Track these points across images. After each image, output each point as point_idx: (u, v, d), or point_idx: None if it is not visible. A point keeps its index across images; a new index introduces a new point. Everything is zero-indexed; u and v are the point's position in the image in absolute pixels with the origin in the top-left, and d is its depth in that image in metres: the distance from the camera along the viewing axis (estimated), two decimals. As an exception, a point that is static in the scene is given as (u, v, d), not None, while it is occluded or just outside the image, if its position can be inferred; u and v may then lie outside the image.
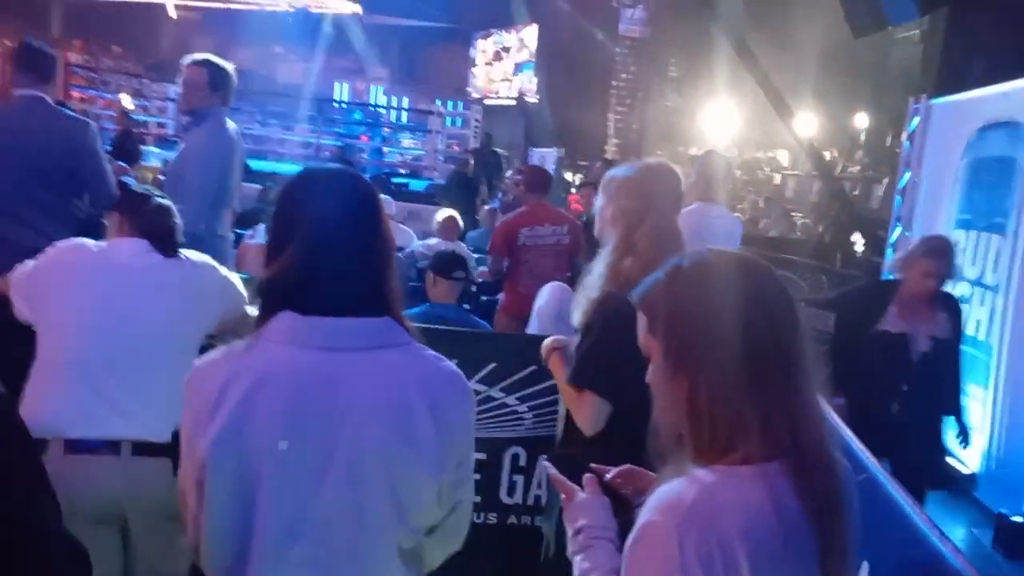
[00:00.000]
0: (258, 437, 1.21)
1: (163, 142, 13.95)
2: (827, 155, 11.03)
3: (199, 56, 3.60)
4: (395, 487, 1.23)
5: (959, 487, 4.94)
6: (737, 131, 14.55)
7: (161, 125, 15.16)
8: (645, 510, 1.11)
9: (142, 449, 1.97)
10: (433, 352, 1.34)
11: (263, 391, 1.23)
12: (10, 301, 2.16)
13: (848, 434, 2.11)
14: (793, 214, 12.01)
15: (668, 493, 1.10)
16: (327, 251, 1.27)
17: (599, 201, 2.22)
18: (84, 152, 3.21)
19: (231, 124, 3.60)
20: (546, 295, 4.37)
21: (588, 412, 2.04)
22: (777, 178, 13.82)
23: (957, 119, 5.84)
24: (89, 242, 2.19)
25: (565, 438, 2.25)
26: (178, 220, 2.23)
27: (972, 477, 4.90)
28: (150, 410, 1.98)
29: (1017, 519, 4.20)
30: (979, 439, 4.90)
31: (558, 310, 4.20)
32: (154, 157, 11.20)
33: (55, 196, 3.18)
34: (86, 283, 2.07)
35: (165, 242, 2.15)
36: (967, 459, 5.00)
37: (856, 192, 10.23)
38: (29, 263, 2.18)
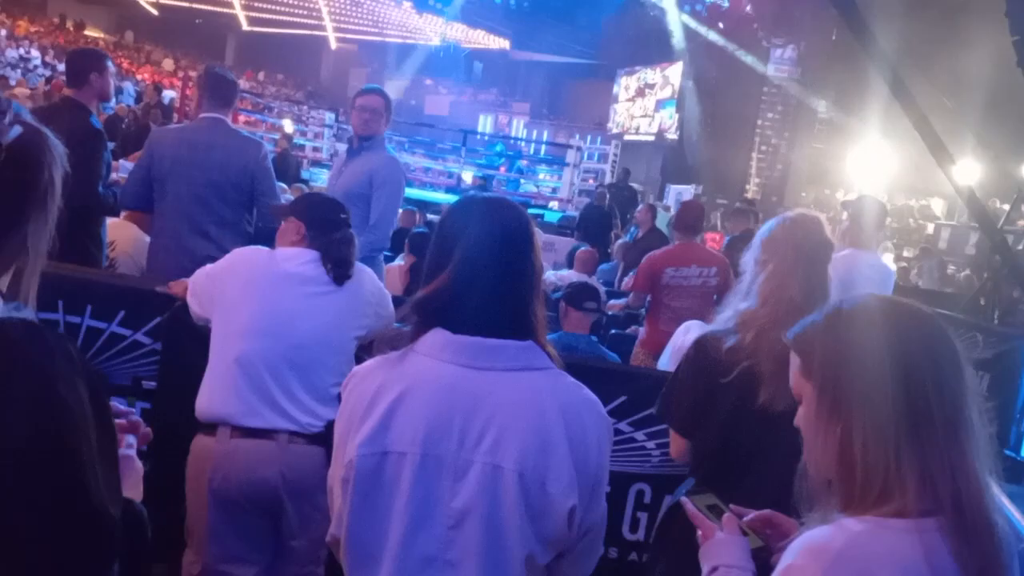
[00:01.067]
0: (401, 442, 1.28)
1: (316, 165, 14.85)
2: (992, 205, 10.34)
3: (374, 85, 3.97)
4: (528, 501, 1.27)
5: None
6: (889, 177, 13.89)
7: (316, 149, 16.11)
8: (789, 553, 1.09)
9: (297, 438, 2.20)
10: (572, 379, 1.38)
11: (410, 399, 1.30)
12: (187, 304, 2.37)
13: (1006, 501, 1.96)
14: (950, 266, 11.31)
15: (815, 537, 1.07)
16: (481, 274, 1.33)
17: (748, 253, 2.23)
18: (258, 170, 3.48)
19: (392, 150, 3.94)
20: (683, 334, 4.33)
21: (672, 444, 2.24)
22: (930, 227, 13.06)
23: None
24: (263, 250, 2.38)
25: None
26: (356, 250, 2.39)
27: None
28: (305, 406, 2.21)
29: None
30: None
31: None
32: (313, 176, 11.95)
33: (230, 210, 3.46)
34: (256, 288, 2.26)
35: (340, 270, 2.31)
36: None
37: (1021, 246, 9.52)
38: (208, 267, 2.39)
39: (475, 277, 1.33)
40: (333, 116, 16.31)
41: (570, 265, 6.72)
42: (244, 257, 2.36)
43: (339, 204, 2.48)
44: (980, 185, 10.81)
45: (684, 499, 1.45)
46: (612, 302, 6.58)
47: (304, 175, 12.24)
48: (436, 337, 1.33)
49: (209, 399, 2.22)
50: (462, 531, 1.27)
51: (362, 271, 2.41)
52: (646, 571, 2.31)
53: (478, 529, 1.27)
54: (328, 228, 2.34)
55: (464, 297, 1.33)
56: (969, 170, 10.43)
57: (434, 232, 1.42)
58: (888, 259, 10.29)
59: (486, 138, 22.21)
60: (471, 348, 1.32)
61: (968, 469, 1.08)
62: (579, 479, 1.30)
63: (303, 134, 16.74)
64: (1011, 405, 6.57)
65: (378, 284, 2.47)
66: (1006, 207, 10.55)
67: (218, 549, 2.24)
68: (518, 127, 24.93)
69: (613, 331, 5.43)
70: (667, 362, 4.23)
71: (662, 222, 9.06)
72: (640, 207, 9.67)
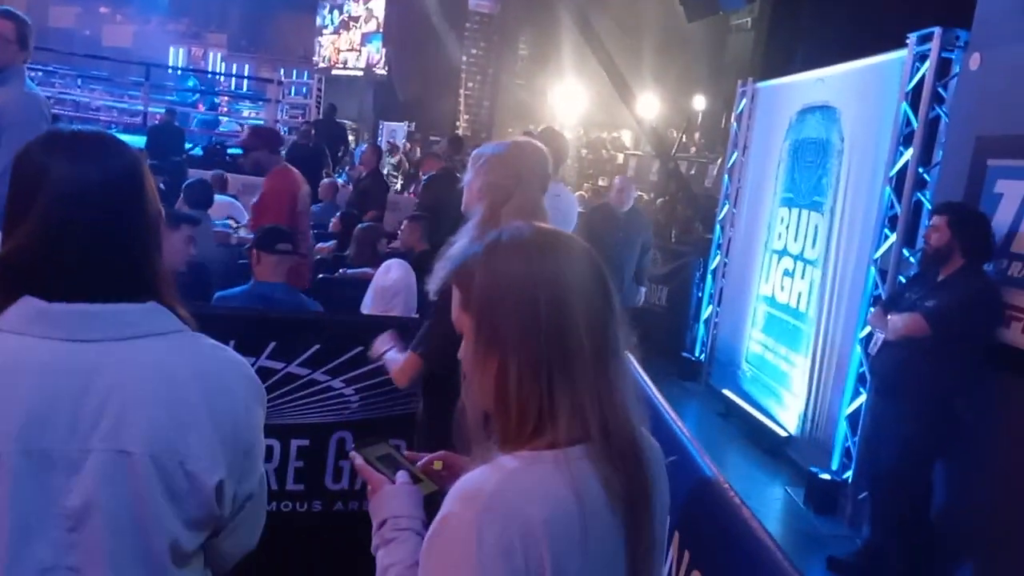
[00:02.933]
0: None
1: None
2: (670, 136, 11.44)
3: (2, 8, 3.35)
4: (168, 483, 1.11)
5: (777, 449, 5.27)
6: (584, 111, 14.84)
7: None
8: (447, 500, 1.05)
9: None
10: (211, 340, 1.21)
11: None
12: None
13: (666, 410, 2.13)
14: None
15: (469, 481, 1.05)
16: (75, 226, 1.11)
17: (467, 175, 2.26)
18: None
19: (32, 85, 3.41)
20: (383, 273, 4.26)
21: (410, 371, 2.29)
22: (620, 158, 14.21)
23: (780, 102, 6.17)
24: None
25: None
26: None
27: (788, 439, 5.24)
28: None
29: (825, 477, 4.51)
30: (797, 403, 5.24)
31: (398, 287, 4.12)
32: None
33: None
34: None
35: None
36: (786, 422, 5.33)
37: (692, 172, 10.67)
38: None
39: (67, 230, 1.10)
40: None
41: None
42: None
43: None
44: (659, 117, 11.91)
45: (353, 453, 1.36)
46: (320, 245, 6.35)
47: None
48: (25, 308, 1.09)
49: None
50: (84, 532, 1.08)
51: None
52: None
53: (104, 526, 1.09)
54: None
55: (55, 256, 1.10)
56: (649, 104, 11.39)
57: (9, 176, 1.15)
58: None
59: (178, 72, 20.27)
60: (72, 317, 1.10)
61: (615, 398, 1.09)
62: (225, 451, 1.15)
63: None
64: (685, 313, 7.42)
65: None
66: (685, 136, 11.77)
67: None
68: (215, 60, 23.06)
69: (321, 275, 5.22)
70: (369, 302, 4.16)
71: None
72: (365, 148, 9.39)
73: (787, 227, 5.77)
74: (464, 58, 18.54)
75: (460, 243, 2.16)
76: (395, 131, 16.67)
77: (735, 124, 6.97)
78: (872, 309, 4.23)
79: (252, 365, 2.65)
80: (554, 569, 1.00)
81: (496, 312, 1.09)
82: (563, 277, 1.09)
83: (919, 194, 4.22)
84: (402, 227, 5.43)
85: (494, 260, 1.12)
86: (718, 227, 7.04)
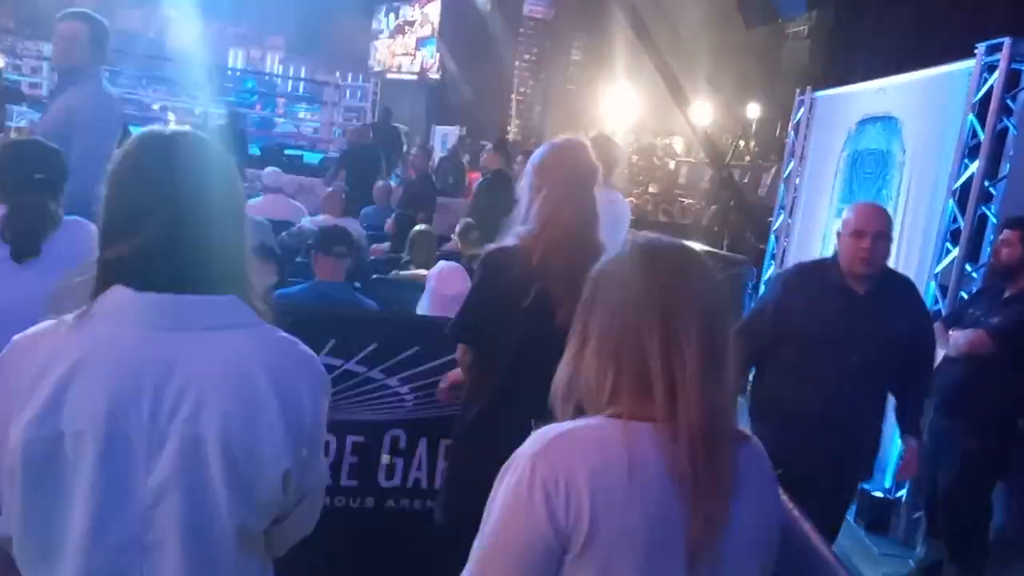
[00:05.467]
0: (78, 420, 1.12)
1: (36, 103, 13.06)
2: (724, 143, 11.33)
3: (77, 10, 3.40)
4: (238, 470, 1.16)
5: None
6: (636, 117, 14.77)
7: (34, 85, 14.15)
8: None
9: None
10: (284, 334, 1.26)
11: (88, 370, 1.13)
12: None
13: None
14: (684, 200, 12.31)
15: (545, 429, 1.17)
16: (165, 221, 1.17)
17: (523, 180, 2.34)
18: None
19: (108, 86, 3.46)
20: (435, 276, 4.31)
21: (461, 359, 2.36)
22: (672, 164, 14.11)
23: (838, 112, 6.07)
24: None
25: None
26: (52, 221, 2.05)
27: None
28: None
29: (878, 495, 4.43)
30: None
31: (459, 291, 4.16)
32: (22, 117, 10.48)
33: None
34: None
35: (19, 245, 1.96)
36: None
37: (746, 180, 10.55)
38: None
39: (159, 224, 1.17)
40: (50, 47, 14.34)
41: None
42: None
43: (40, 159, 2.09)
44: (713, 124, 11.81)
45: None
46: (375, 246, 6.44)
47: (15, 112, 10.70)
48: (117, 296, 1.16)
49: None
50: (162, 510, 1.14)
51: (69, 242, 2.05)
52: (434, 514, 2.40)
53: (180, 506, 1.15)
54: (15, 189, 1.98)
55: (148, 248, 1.16)
56: (703, 111, 11.30)
57: (108, 176, 1.21)
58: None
59: (237, 74, 20.73)
60: (160, 307, 1.16)
61: (690, 384, 1.15)
62: (292, 441, 1.20)
63: (17, 68, 14.65)
64: (737, 323, 7.32)
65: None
66: (740, 144, 11.65)
67: None
68: (273, 63, 23.50)
69: (375, 276, 5.30)
70: (427, 305, 4.21)
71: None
72: (415, 151, 9.48)
73: (844, 239, 5.67)
74: (517, 63, 18.60)
75: (504, 241, 2.26)
76: (447, 135, 16.80)
77: (792, 133, 6.88)
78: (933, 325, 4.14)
79: (312, 362, 2.74)
80: (591, 518, 1.08)
81: (591, 301, 1.23)
82: (657, 275, 1.19)
83: (984, 208, 4.13)
84: (456, 232, 5.48)
85: (602, 265, 1.26)
86: (772, 237, 6.96)
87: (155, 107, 14.66)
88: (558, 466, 1.10)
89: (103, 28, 3.39)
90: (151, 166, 1.19)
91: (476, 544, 1.15)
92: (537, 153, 2.31)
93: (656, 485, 1.11)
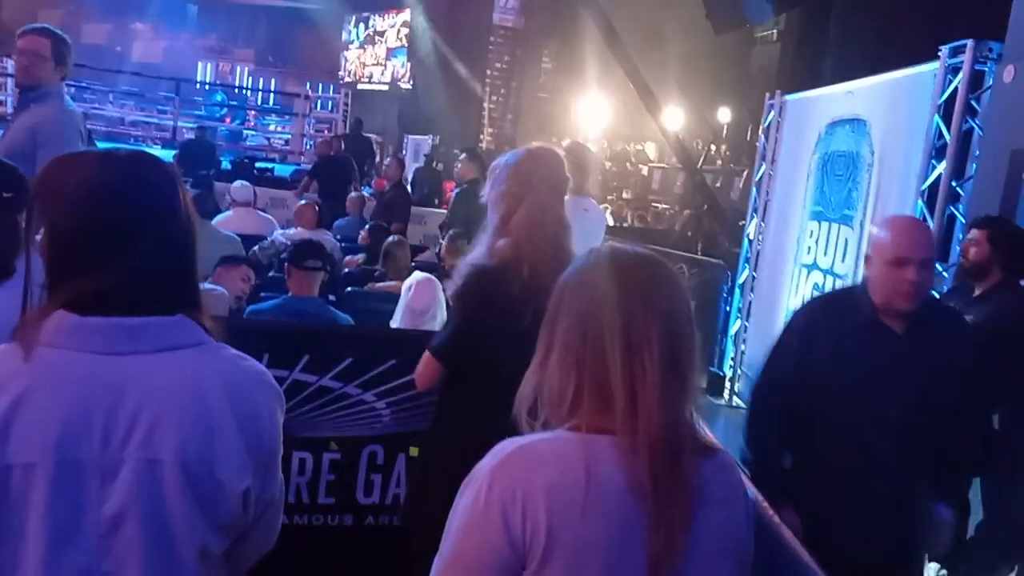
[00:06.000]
0: (26, 451, 1.09)
1: (1, 121, 12.84)
2: (696, 148, 11.41)
3: (38, 25, 3.36)
4: (196, 492, 1.15)
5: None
6: (608, 123, 14.85)
7: (-1, 102, 13.94)
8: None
9: None
10: (234, 351, 1.25)
11: (34, 400, 1.10)
12: None
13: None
14: (657, 205, 12.38)
15: (504, 442, 1.16)
16: (106, 239, 1.14)
17: (486, 187, 2.24)
18: None
19: (71, 102, 3.42)
20: (406, 292, 4.28)
21: (424, 371, 2.20)
22: (645, 170, 14.19)
23: (808, 115, 6.13)
24: None
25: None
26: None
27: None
28: None
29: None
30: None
31: (428, 304, 4.14)
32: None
33: None
34: None
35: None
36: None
37: (718, 184, 10.63)
38: None
39: (100, 244, 1.14)
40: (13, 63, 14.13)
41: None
42: None
43: (6, 178, 2.03)
44: (684, 129, 11.90)
45: None
46: (348, 258, 6.39)
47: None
48: (60, 321, 1.12)
49: None
50: (118, 537, 1.12)
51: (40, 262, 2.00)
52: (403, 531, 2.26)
53: (137, 532, 1.12)
54: None
55: (88, 270, 1.13)
56: (674, 116, 11.39)
57: (51, 198, 1.17)
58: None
59: (206, 87, 20.56)
60: (105, 331, 1.13)
61: (652, 397, 1.13)
62: (251, 458, 1.19)
63: (-20, 84, 14.39)
64: (712, 327, 7.36)
65: None
66: (712, 148, 11.74)
67: None
68: (243, 75, 23.36)
69: (349, 289, 5.25)
70: (400, 318, 4.18)
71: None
72: (389, 160, 9.45)
73: (816, 241, 5.72)
74: (488, 72, 18.64)
75: (475, 252, 2.17)
76: (419, 144, 16.78)
77: (763, 137, 6.93)
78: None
79: (285, 378, 2.70)
80: (548, 533, 1.08)
81: (556, 311, 1.22)
82: (621, 286, 1.19)
83: (952, 208, 4.18)
84: (443, 243, 5.46)
85: (568, 274, 1.26)
86: (746, 240, 7.00)
87: (123, 122, 14.43)
88: (515, 480, 1.10)
89: (65, 43, 3.34)
90: (93, 189, 1.16)
91: (437, 557, 1.15)
92: (509, 158, 2.22)
93: (615, 499, 1.10)
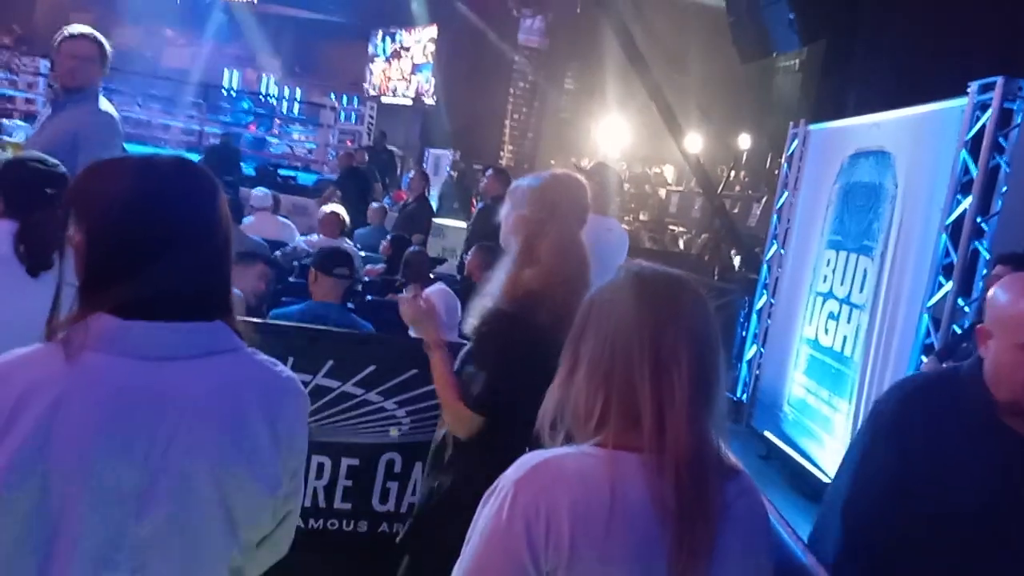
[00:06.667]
0: (64, 458, 1.06)
1: (30, 118, 13.05)
2: (716, 173, 11.43)
3: (85, 29, 3.43)
4: (229, 504, 1.14)
5: (819, 493, 5.17)
6: (627, 145, 14.90)
7: (29, 101, 14.17)
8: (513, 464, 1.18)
9: None
10: (267, 357, 1.24)
11: (72, 406, 1.07)
12: None
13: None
14: (674, 228, 12.38)
15: (531, 454, 1.17)
16: (150, 247, 1.13)
17: (504, 208, 2.17)
18: None
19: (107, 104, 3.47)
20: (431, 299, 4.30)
21: (467, 425, 2.00)
22: (663, 193, 14.21)
23: (832, 145, 6.15)
24: None
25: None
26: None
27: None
28: None
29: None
30: (839, 448, 5.15)
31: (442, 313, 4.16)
32: (19, 131, 10.48)
33: None
34: None
35: (34, 258, 1.93)
36: (828, 467, 5.24)
37: (736, 210, 10.63)
38: None
39: (143, 249, 1.12)
40: (49, 64, 14.38)
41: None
42: None
43: (49, 175, 2.08)
44: (704, 154, 11.92)
45: None
46: (369, 267, 6.44)
47: (10, 127, 10.70)
48: (101, 325, 1.10)
49: None
50: (150, 546, 1.10)
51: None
52: (403, 546, 2.18)
53: (172, 546, 1.11)
54: (27, 205, 1.97)
55: (131, 276, 1.11)
56: (694, 140, 11.41)
57: (91, 201, 1.16)
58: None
59: (232, 94, 20.78)
60: (147, 336, 1.11)
61: (679, 415, 1.14)
62: (284, 470, 1.19)
63: (12, 84, 14.66)
64: (728, 352, 7.35)
65: None
66: (731, 174, 11.75)
67: None
68: (269, 83, 23.60)
69: (369, 297, 5.29)
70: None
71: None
72: (412, 174, 9.52)
73: (833, 270, 5.72)
74: (512, 90, 18.75)
75: (497, 278, 2.08)
76: (440, 158, 16.87)
77: (786, 165, 6.95)
78: (924, 358, 4.17)
79: (309, 383, 2.73)
80: (571, 547, 1.08)
81: (583, 328, 1.23)
82: (650, 305, 1.19)
83: (976, 243, 4.18)
84: (468, 256, 5.48)
85: (595, 292, 1.26)
86: (765, 267, 7.00)
87: (150, 124, 14.62)
88: (540, 494, 1.10)
89: (106, 49, 3.45)
90: (136, 197, 1.15)
91: (457, 567, 1.15)
92: (532, 181, 2.15)
93: (639, 517, 1.10)
